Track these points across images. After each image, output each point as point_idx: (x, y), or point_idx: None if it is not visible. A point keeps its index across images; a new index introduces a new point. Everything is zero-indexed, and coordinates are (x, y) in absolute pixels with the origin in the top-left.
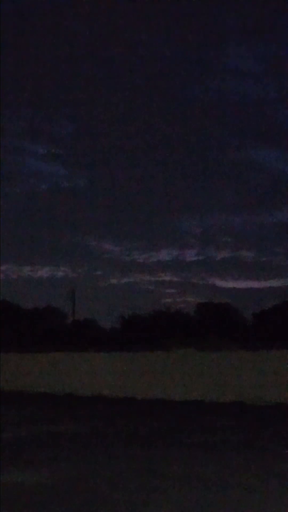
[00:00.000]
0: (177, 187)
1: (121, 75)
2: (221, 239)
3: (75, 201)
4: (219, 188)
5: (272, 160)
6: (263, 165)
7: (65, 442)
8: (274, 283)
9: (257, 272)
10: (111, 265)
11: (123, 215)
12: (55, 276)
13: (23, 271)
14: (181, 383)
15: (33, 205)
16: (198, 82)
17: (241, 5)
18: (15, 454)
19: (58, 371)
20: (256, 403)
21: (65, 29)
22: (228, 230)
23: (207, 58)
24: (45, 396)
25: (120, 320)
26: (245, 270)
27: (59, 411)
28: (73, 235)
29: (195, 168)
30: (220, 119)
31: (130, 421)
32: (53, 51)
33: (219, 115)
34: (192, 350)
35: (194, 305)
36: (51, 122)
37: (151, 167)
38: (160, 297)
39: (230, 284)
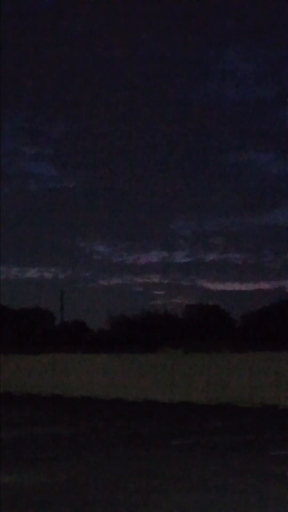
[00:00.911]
0: (167, 189)
1: (118, 76)
2: (210, 241)
3: (64, 202)
4: (209, 190)
5: (263, 162)
6: (254, 168)
7: (57, 444)
8: (263, 285)
9: (246, 274)
10: (100, 266)
11: (113, 216)
12: (43, 277)
13: (12, 272)
14: (170, 384)
15: (22, 205)
16: (196, 84)
17: (240, 8)
18: (10, 456)
19: (46, 373)
20: (245, 404)
21: (62, 30)
22: (218, 232)
23: (206, 60)
24: (33, 397)
25: (109, 322)
26: (234, 272)
27: (47, 413)
28: (63, 236)
29: (186, 170)
30: (216, 121)
31: (119, 423)
32: (46, 52)
33: (215, 117)
34: (181, 352)
35: (183, 307)
36: (42, 123)
37: (142, 169)
38: (149, 298)
39: (219, 286)
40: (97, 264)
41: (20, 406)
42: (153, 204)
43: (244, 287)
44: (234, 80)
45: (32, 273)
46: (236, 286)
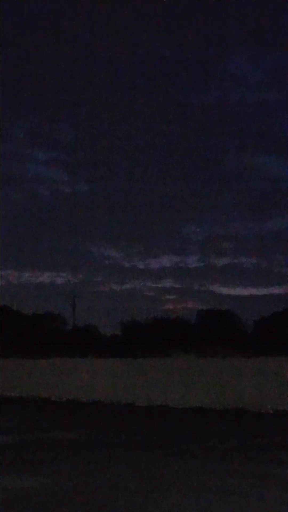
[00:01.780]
0: (178, 193)
1: (122, 80)
2: (222, 245)
3: (76, 207)
4: (221, 194)
5: (273, 167)
6: (264, 172)
7: (64, 449)
8: (275, 290)
9: (258, 279)
10: (111, 271)
11: (124, 221)
12: (55, 281)
13: (24, 277)
14: (181, 390)
15: (34, 210)
16: (200, 89)
17: (243, 11)
18: (15, 460)
19: (58, 377)
20: (257, 410)
21: (67, 35)
22: (229, 236)
23: (211, 63)
24: (45, 402)
25: (121, 326)
26: (246, 277)
27: (59, 418)
28: (74, 241)
29: (197, 174)
30: (221, 126)
31: (130, 429)
32: (54, 56)
33: (219, 121)
34: (193, 357)
35: (194, 312)
36: (52, 127)
37: (152, 173)
38: (160, 303)
39: (231, 290)
40: (108, 269)
41: (31, 410)
42: (165, 209)
43: (256, 291)
44: (240, 84)
45: (44, 277)
46: (248, 291)
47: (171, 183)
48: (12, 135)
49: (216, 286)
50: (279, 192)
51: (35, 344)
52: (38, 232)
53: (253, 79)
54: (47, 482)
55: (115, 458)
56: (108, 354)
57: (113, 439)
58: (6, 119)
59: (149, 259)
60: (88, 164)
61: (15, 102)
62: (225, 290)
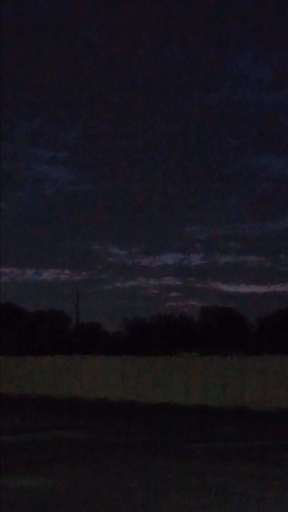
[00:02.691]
0: (181, 192)
1: (125, 81)
2: (226, 244)
3: (79, 205)
4: (224, 194)
5: (277, 167)
6: (268, 172)
7: (65, 449)
8: (278, 288)
9: (261, 277)
10: (115, 268)
11: (128, 219)
12: (59, 279)
13: (27, 274)
14: (184, 388)
15: (38, 208)
16: (203, 89)
17: (245, 11)
18: (16, 460)
19: (60, 375)
20: (260, 408)
21: (70, 35)
22: (233, 235)
23: (210, 64)
24: (47, 400)
25: (124, 324)
26: (249, 275)
27: (60, 417)
28: (77, 239)
29: (200, 174)
30: (224, 126)
31: (132, 428)
32: (58, 57)
33: (223, 122)
34: (196, 355)
35: (197, 310)
36: (56, 127)
37: (156, 172)
38: (164, 301)
39: (234, 289)
40: (112, 266)
41: (34, 408)
42: (168, 208)
43: (259, 289)
44: (246, 84)
45: (47, 275)
46: (251, 289)
47: (175, 182)
48: (15, 135)
49: (219, 284)
50: (283, 192)
51: (38, 341)
52: (42, 230)
53: (256, 80)
54: (47, 481)
55: (115, 458)
56: (111, 352)
57: (114, 439)
58: (10, 118)
59: (152, 257)
60: (92, 163)
61: (19, 102)
62: (228, 288)
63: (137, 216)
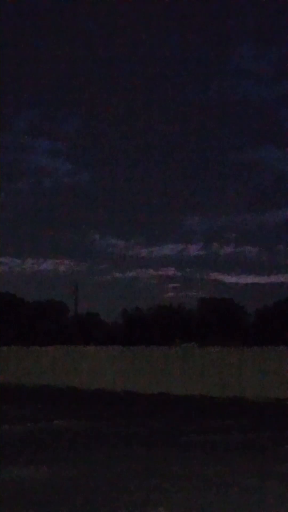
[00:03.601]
0: (181, 183)
1: (125, 73)
2: (225, 235)
3: (79, 196)
4: (224, 185)
5: (276, 159)
6: (267, 164)
7: (65, 439)
8: (277, 279)
9: (260, 268)
10: (114, 259)
11: (127, 210)
12: (58, 269)
13: (26, 264)
14: (183, 378)
15: (37, 199)
16: (203, 83)
17: (245, 6)
18: (17, 450)
19: (60, 365)
20: (258, 399)
21: (68, 24)
22: (232, 226)
23: (211, 58)
24: (46, 390)
25: (123, 314)
26: (248, 266)
27: (60, 407)
28: (77, 229)
29: (200, 165)
30: (224, 118)
31: (131, 418)
32: (56, 47)
33: (223, 115)
34: (194, 345)
35: (196, 300)
36: (55, 118)
37: (155, 163)
38: (163, 291)
39: (233, 279)
40: (111, 257)
41: (33, 398)
42: (168, 199)
43: (258, 280)
44: (249, 78)
45: (47, 265)
46: (250, 280)
47: (175, 174)
48: (15, 126)
49: (218, 275)
50: (282, 184)
51: (37, 331)
52: (41, 220)
53: (255, 73)
54: (48, 472)
55: (114, 448)
56: (110, 342)
57: (112, 429)
58: (9, 110)
59: (151, 248)
60: (91, 154)
61: (18, 93)
62: (227, 279)
63: (136, 207)
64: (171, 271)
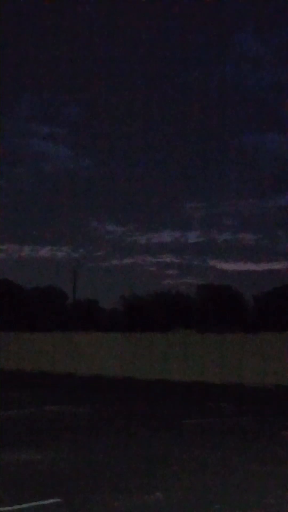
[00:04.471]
0: (180, 170)
1: (126, 59)
2: (223, 222)
3: (78, 182)
4: (223, 172)
5: (276, 145)
6: (266, 150)
7: (65, 423)
8: (275, 265)
9: (258, 255)
10: (112, 246)
11: (126, 196)
12: (56, 256)
13: (25, 251)
14: (181, 364)
15: (36, 185)
16: (204, 67)
17: None
18: (16, 434)
19: (58, 350)
20: (257, 385)
21: (71, 10)
22: (231, 213)
23: (212, 42)
24: (45, 375)
25: (121, 301)
26: (247, 253)
27: (59, 392)
28: (75, 215)
29: (199, 151)
30: (231, 104)
31: (131, 403)
32: (57, 32)
33: (230, 100)
34: (193, 332)
35: (194, 287)
36: (56, 104)
37: (155, 149)
38: (161, 278)
39: (231, 266)
40: (110, 244)
41: (30, 383)
42: (167, 185)
43: (256, 267)
44: (249, 63)
45: (45, 252)
46: (248, 267)
47: (173, 160)
48: (15, 111)
49: (216, 262)
50: (281, 170)
51: (36, 318)
52: (40, 206)
53: (256, 58)
54: (47, 455)
55: (114, 432)
56: (108, 329)
57: (112, 414)
58: (10, 95)
59: (150, 234)
60: (91, 140)
61: (19, 78)
62: (225, 266)
63: (135, 193)
64: (169, 258)
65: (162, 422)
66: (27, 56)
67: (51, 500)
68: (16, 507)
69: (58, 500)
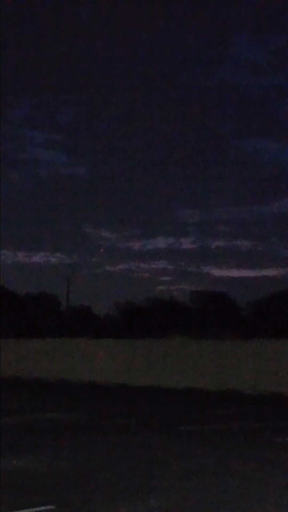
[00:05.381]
0: (175, 176)
1: (122, 63)
2: (218, 228)
3: (72, 188)
4: (217, 178)
5: (270, 151)
6: (261, 156)
7: (63, 430)
8: (270, 272)
9: (252, 261)
10: (107, 252)
11: (120, 202)
12: (50, 262)
13: (18, 256)
14: (175, 371)
15: (31, 191)
16: (200, 72)
17: None
18: (15, 441)
19: (52, 357)
20: (251, 391)
21: (66, 13)
22: (225, 220)
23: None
24: (40, 382)
25: (115, 307)
26: (241, 259)
27: (55, 399)
28: (70, 222)
29: (194, 157)
30: (219, 109)
31: (127, 410)
32: (54, 37)
33: (218, 105)
34: (187, 339)
35: (188, 293)
36: (52, 109)
37: (149, 155)
38: (155, 284)
39: (226, 272)
40: (104, 250)
41: (25, 390)
42: (161, 191)
43: (251, 274)
44: (244, 67)
45: (38, 258)
46: (242, 273)
47: (168, 166)
48: (11, 117)
49: (211, 268)
50: (276, 176)
51: (29, 324)
52: (34, 212)
53: (253, 63)
54: (45, 462)
55: (113, 439)
56: (102, 335)
57: (108, 421)
58: (6, 100)
59: (144, 241)
60: (87, 146)
61: (15, 83)
62: (220, 272)
63: (130, 199)
64: (163, 264)
65: (158, 428)
66: (23, 60)
67: (44, 507)
68: None
69: (52, 507)
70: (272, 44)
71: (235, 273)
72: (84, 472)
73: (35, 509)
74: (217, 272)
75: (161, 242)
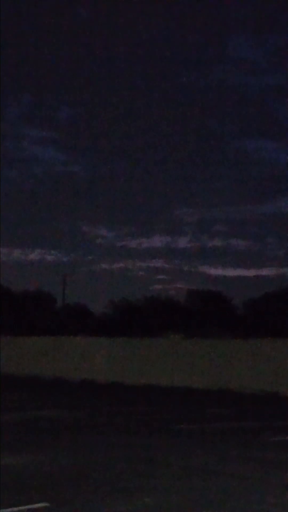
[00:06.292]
0: (171, 175)
1: (120, 62)
2: (214, 227)
3: (69, 186)
4: (214, 177)
5: (269, 150)
6: (258, 156)
7: (61, 428)
8: (265, 271)
9: (248, 261)
10: (103, 250)
11: (117, 200)
12: (46, 260)
13: (14, 254)
14: (171, 370)
15: (28, 189)
16: (202, 70)
17: None
18: (14, 438)
19: (47, 355)
20: (245, 390)
21: (65, 12)
22: (221, 219)
23: (214, 46)
24: (36, 380)
25: (111, 305)
26: (237, 259)
27: (52, 397)
28: (66, 219)
29: (191, 157)
30: (218, 109)
31: (125, 408)
32: (52, 35)
33: (221, 104)
34: (182, 337)
35: (184, 292)
36: (49, 107)
37: (147, 154)
38: (151, 283)
39: (221, 272)
40: (100, 248)
41: (21, 388)
42: (158, 190)
43: (246, 273)
44: (241, 67)
45: (34, 255)
46: (238, 272)
47: (165, 165)
48: (8, 114)
49: (207, 267)
50: (273, 176)
51: (24, 322)
52: (31, 210)
53: (253, 63)
54: (44, 459)
55: (112, 438)
56: (98, 333)
57: (103, 419)
58: (2, 98)
59: (140, 239)
60: (84, 144)
61: (12, 81)
62: (216, 271)
63: (127, 198)
64: (159, 263)
65: (152, 427)
66: (22, 59)
67: (38, 505)
68: (4, 511)
69: (47, 504)
70: (271, 44)
71: (231, 272)
72: (81, 471)
73: (29, 506)
74: (213, 271)
75: (157, 241)
